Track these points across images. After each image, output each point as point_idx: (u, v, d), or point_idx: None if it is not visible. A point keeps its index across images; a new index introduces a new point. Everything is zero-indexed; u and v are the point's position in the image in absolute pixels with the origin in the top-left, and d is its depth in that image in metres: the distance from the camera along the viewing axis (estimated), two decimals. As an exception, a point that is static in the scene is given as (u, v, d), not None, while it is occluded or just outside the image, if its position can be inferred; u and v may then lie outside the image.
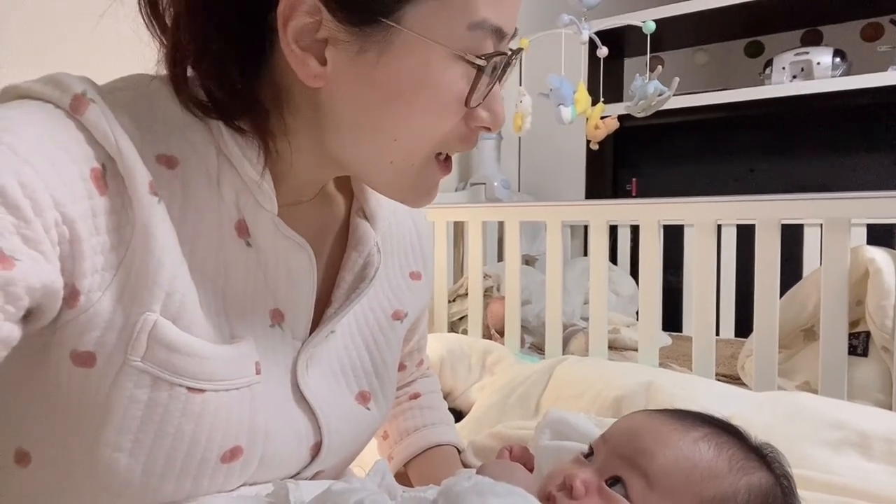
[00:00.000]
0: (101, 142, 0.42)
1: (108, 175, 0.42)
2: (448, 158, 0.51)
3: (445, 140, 0.48)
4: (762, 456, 0.52)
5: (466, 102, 0.46)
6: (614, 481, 0.50)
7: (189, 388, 0.45)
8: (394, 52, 0.44)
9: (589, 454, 0.54)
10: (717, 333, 1.38)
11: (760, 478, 0.50)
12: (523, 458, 0.63)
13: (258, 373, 0.50)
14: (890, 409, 0.98)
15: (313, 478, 0.56)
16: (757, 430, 0.55)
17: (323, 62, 0.45)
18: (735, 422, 0.56)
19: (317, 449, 0.54)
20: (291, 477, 0.53)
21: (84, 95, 0.42)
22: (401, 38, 0.43)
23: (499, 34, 0.45)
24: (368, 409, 0.61)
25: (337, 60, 0.45)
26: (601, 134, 1.51)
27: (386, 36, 0.43)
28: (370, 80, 0.45)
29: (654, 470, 0.49)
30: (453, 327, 1.68)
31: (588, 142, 1.56)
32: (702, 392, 0.90)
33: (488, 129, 0.49)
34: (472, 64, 0.44)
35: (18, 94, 0.43)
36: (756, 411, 0.80)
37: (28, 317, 0.39)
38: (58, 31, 1.08)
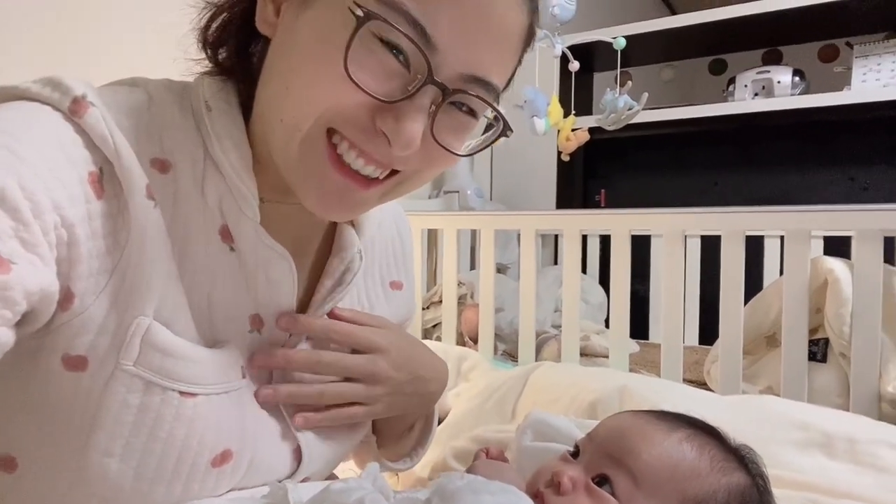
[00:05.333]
0: (99, 145, 0.42)
1: (104, 179, 0.42)
2: (347, 166, 0.46)
3: (334, 110, 0.43)
4: (740, 457, 0.54)
5: (346, 63, 0.41)
6: (601, 479, 0.51)
7: (181, 393, 0.45)
8: (314, 4, 0.44)
9: (575, 453, 0.56)
10: (682, 341, 1.42)
11: (739, 478, 0.52)
12: (499, 459, 0.64)
13: (244, 377, 0.50)
14: (847, 411, 1.03)
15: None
16: (727, 432, 0.57)
17: (278, 14, 0.47)
18: (707, 423, 0.58)
19: (298, 453, 0.55)
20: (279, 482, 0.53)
21: (84, 98, 0.42)
22: None
23: (412, 22, 0.41)
24: None
25: (286, 13, 0.46)
26: (572, 146, 1.55)
27: None
28: (293, 31, 0.45)
29: (639, 468, 0.50)
30: (427, 334, 1.69)
31: (559, 153, 1.60)
32: (673, 396, 0.92)
33: (389, 143, 0.44)
34: (354, 16, 0.41)
35: (16, 95, 0.43)
36: (725, 414, 0.83)
37: (22, 320, 0.39)
38: (57, 30, 1.06)
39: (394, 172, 0.48)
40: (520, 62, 0.49)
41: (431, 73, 0.42)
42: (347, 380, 0.56)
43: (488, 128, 0.51)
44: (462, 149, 0.49)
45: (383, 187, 0.48)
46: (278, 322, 0.53)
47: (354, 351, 0.57)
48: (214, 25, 0.51)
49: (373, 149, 0.45)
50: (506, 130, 0.49)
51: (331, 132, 0.45)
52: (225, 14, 0.51)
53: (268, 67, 0.48)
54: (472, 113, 0.47)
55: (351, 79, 0.41)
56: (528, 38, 0.48)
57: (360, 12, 0.40)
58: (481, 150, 0.52)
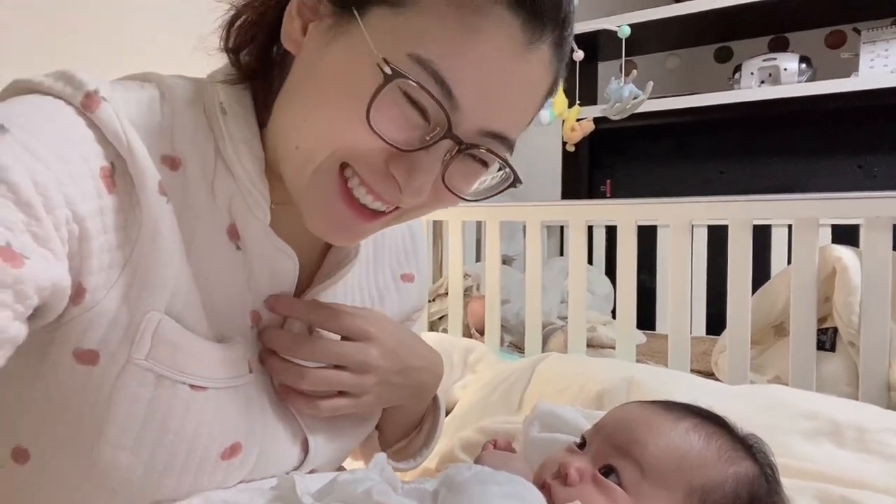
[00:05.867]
0: (111, 141, 0.42)
1: (116, 174, 0.43)
2: (356, 200, 0.47)
3: (350, 149, 0.45)
4: (748, 446, 0.54)
5: (368, 112, 0.42)
6: (608, 470, 0.51)
7: (192, 386, 0.46)
8: (344, 40, 0.44)
9: (581, 444, 0.56)
10: (690, 331, 1.42)
11: (747, 467, 0.52)
12: (507, 450, 0.64)
13: (250, 371, 0.51)
14: (856, 400, 1.02)
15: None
16: (735, 421, 0.57)
17: (305, 32, 0.46)
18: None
19: (305, 445, 0.55)
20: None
21: (96, 93, 0.42)
22: (356, 30, 0.43)
23: (439, 82, 0.42)
24: None
25: (313, 35, 0.46)
26: (577, 136, 1.54)
27: (349, 25, 0.44)
28: (318, 59, 0.45)
29: (646, 459, 0.50)
30: (433, 326, 1.69)
31: (564, 143, 1.59)
32: (680, 386, 0.92)
33: (399, 189, 0.45)
34: (382, 72, 0.41)
35: (29, 89, 0.43)
36: (733, 403, 0.82)
37: (33, 314, 0.39)
38: (63, 26, 1.06)
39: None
40: (540, 108, 0.50)
41: (451, 128, 0.43)
42: (337, 368, 0.54)
43: (500, 167, 0.51)
44: (471, 190, 0.50)
45: (387, 218, 0.50)
46: (266, 302, 0.53)
47: (344, 339, 0.56)
48: (238, 24, 0.50)
49: (383, 190, 0.46)
50: (515, 182, 0.50)
51: (343, 165, 0.46)
52: (248, 17, 0.50)
53: (289, 86, 0.48)
54: (485, 163, 0.48)
55: (372, 128, 0.42)
56: (552, 90, 0.49)
57: (388, 70, 0.41)
58: (488, 197, 0.52)
